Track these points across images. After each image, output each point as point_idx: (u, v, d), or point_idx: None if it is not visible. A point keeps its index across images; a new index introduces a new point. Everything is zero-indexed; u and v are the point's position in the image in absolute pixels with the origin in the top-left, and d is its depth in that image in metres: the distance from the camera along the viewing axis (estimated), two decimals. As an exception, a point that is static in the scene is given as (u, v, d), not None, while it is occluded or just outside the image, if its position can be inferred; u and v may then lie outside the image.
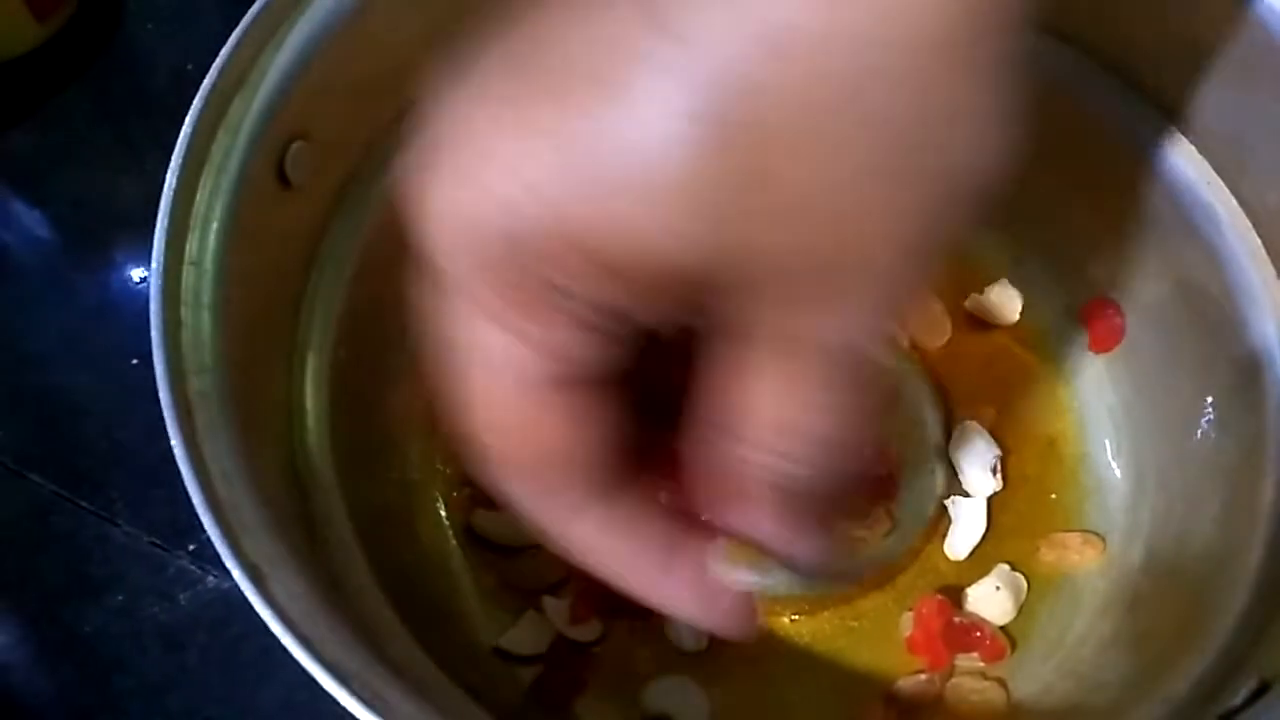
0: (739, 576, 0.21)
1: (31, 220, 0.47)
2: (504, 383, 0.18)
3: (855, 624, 0.36)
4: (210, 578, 0.39)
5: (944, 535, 0.37)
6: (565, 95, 0.17)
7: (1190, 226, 0.35)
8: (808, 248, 0.16)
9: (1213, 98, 0.34)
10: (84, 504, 0.41)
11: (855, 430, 0.18)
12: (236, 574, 0.24)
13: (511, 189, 0.17)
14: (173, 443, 0.25)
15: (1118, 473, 0.38)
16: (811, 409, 0.18)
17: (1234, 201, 0.34)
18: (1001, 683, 0.35)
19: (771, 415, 0.18)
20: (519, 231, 0.17)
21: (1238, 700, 0.27)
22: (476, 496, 0.38)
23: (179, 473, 0.25)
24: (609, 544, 0.20)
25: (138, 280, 0.44)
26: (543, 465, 0.19)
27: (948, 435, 0.38)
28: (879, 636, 0.36)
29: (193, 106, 0.28)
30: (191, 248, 0.28)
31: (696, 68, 0.16)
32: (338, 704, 0.23)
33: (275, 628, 0.24)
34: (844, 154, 0.16)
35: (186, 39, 0.50)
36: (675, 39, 0.16)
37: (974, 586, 0.36)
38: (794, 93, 0.15)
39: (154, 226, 0.27)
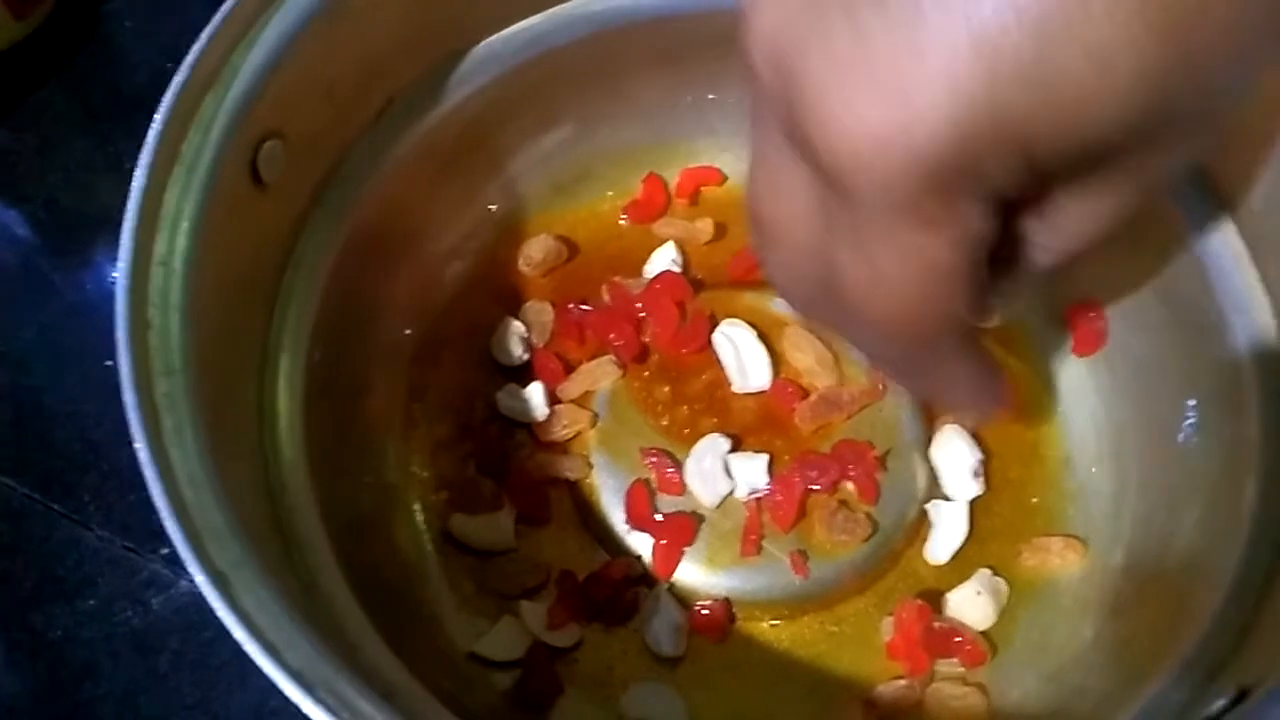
0: None
1: (8, 219, 0.47)
2: (922, 274, 0.20)
3: (835, 629, 0.36)
4: (183, 582, 0.39)
5: (925, 539, 0.37)
6: None
7: (1173, 229, 0.35)
8: (1215, 96, 0.18)
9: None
10: (56, 507, 0.40)
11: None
12: (200, 579, 0.24)
13: (947, 104, 0.17)
14: (137, 446, 0.25)
15: (1100, 477, 0.37)
16: (1104, 224, 0.22)
17: (1217, 204, 0.34)
18: (982, 688, 0.35)
19: (1073, 228, 0.22)
20: (956, 143, 0.17)
21: (1216, 707, 0.27)
22: (453, 500, 0.37)
23: (150, 476, 0.25)
24: (964, 372, 0.24)
25: (115, 280, 0.44)
26: (931, 331, 0.21)
27: (929, 438, 0.38)
28: (859, 641, 0.36)
29: (163, 103, 0.28)
30: (160, 247, 0.28)
31: None
32: (312, 709, 0.23)
33: (238, 634, 0.23)
34: None
35: (166, 36, 0.50)
36: None
37: (955, 591, 0.36)
38: None
39: (130, 226, 0.27)
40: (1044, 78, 0.17)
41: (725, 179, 0.42)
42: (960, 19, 0.17)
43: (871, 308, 0.21)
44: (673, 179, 0.42)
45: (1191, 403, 0.35)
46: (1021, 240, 0.22)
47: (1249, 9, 0.17)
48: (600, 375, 0.39)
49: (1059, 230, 0.22)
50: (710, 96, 0.40)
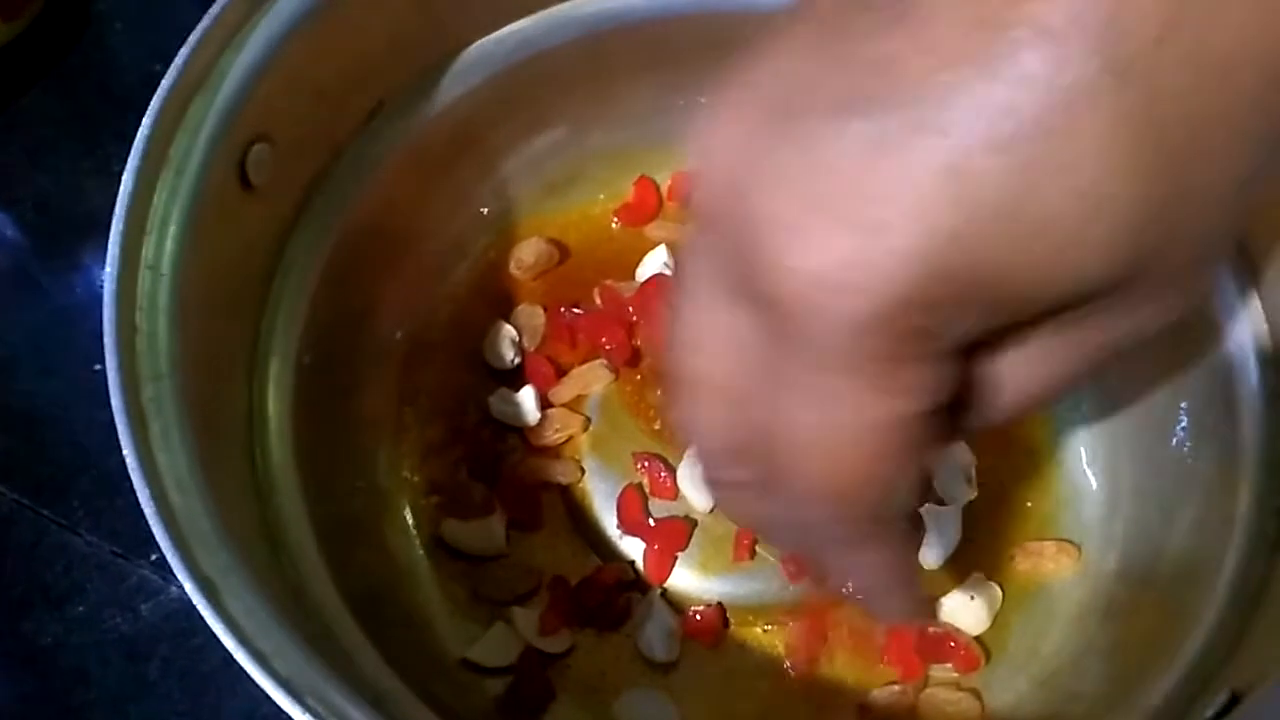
0: None
1: (-4, 221, 0.47)
2: (859, 434, 0.17)
3: (829, 634, 0.36)
4: (173, 588, 0.39)
5: (918, 544, 0.37)
6: (947, 116, 0.15)
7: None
8: (1206, 238, 0.17)
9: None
10: (45, 513, 0.40)
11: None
12: (188, 586, 0.24)
13: (916, 237, 0.15)
14: (124, 451, 0.25)
15: (1093, 481, 0.37)
16: (1069, 378, 0.19)
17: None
18: (976, 693, 0.35)
19: (1040, 380, 0.19)
20: (924, 282, 0.15)
21: (1209, 712, 0.27)
22: (445, 505, 0.37)
23: (139, 481, 0.25)
24: (887, 562, 0.21)
25: (103, 284, 0.44)
26: (871, 501, 0.18)
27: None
28: (852, 647, 0.36)
29: (150, 107, 0.28)
30: (148, 251, 0.28)
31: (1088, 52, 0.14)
32: (301, 715, 0.23)
33: (227, 641, 0.23)
34: (1247, 143, 0.16)
35: (155, 39, 0.50)
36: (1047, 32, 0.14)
37: (948, 596, 0.36)
38: (1210, 92, 0.15)
39: (119, 230, 0.27)
40: (1027, 214, 0.15)
41: (718, 182, 0.42)
42: (935, 148, 0.15)
43: (807, 470, 0.18)
44: (665, 182, 0.42)
45: (1184, 406, 0.35)
46: (975, 394, 0.19)
47: (1245, 147, 0.16)
48: (592, 379, 0.39)
49: (1024, 382, 0.19)
50: (702, 99, 0.40)
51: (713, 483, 0.22)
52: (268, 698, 0.23)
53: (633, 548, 0.36)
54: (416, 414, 0.38)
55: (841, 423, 0.17)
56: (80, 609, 0.39)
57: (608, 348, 0.39)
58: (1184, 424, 0.35)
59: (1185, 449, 0.34)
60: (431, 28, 0.35)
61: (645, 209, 0.42)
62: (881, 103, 0.15)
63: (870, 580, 0.21)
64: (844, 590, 0.23)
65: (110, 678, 0.38)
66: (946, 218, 0.15)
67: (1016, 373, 0.19)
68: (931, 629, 0.35)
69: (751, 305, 0.18)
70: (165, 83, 0.28)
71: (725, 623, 0.36)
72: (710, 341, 0.19)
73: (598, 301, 0.40)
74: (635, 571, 0.36)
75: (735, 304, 0.18)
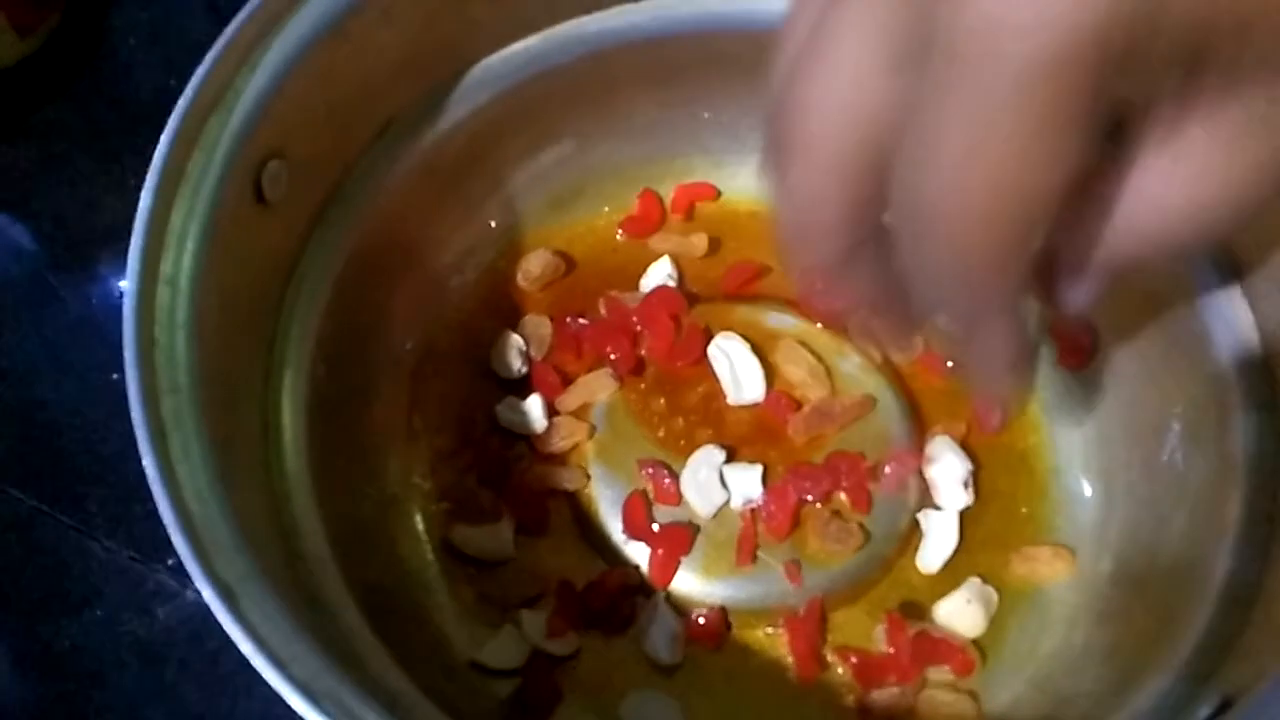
0: None
1: (15, 234, 0.48)
2: (1019, 172, 0.17)
3: (829, 636, 0.37)
4: (189, 592, 0.40)
5: (916, 548, 0.38)
6: None
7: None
8: None
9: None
10: (63, 518, 0.41)
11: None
12: (206, 593, 0.24)
13: None
14: (144, 461, 0.25)
15: (1087, 487, 0.38)
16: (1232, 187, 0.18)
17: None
18: (973, 695, 0.35)
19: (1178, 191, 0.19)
20: (1115, 23, 0.15)
21: (1202, 715, 0.27)
22: (454, 511, 0.38)
23: (157, 488, 0.25)
24: (1007, 339, 0.22)
25: (120, 295, 0.45)
26: (1010, 254, 0.18)
27: (921, 449, 0.38)
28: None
29: (168, 125, 0.29)
30: (166, 266, 0.28)
31: None
32: (316, 719, 0.23)
33: (244, 646, 0.24)
34: None
35: (170, 54, 0.50)
36: None
37: (945, 600, 0.36)
38: None
39: (135, 244, 0.28)
40: None
41: (719, 194, 0.43)
42: None
43: (961, 191, 0.17)
44: (668, 195, 0.43)
45: (1176, 414, 0.35)
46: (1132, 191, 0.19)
47: None
48: (598, 388, 0.39)
49: (1182, 183, 0.18)
50: (705, 115, 0.41)
51: (827, 256, 0.21)
52: (282, 701, 0.24)
53: (637, 552, 0.37)
54: (426, 422, 0.39)
55: (1003, 161, 0.16)
56: (97, 613, 0.40)
57: (613, 357, 0.39)
58: (1176, 432, 0.35)
59: (1178, 456, 0.35)
60: (440, 46, 0.36)
61: (649, 221, 0.42)
62: None
63: (993, 353, 0.22)
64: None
65: (127, 681, 0.39)
66: None
67: (1175, 171, 0.18)
68: (933, 633, 0.36)
69: (915, 55, 0.17)
70: (182, 102, 0.29)
71: (728, 626, 0.37)
72: (847, 99, 0.18)
73: (603, 312, 0.41)
74: (640, 575, 0.37)
75: (887, 57, 0.18)
